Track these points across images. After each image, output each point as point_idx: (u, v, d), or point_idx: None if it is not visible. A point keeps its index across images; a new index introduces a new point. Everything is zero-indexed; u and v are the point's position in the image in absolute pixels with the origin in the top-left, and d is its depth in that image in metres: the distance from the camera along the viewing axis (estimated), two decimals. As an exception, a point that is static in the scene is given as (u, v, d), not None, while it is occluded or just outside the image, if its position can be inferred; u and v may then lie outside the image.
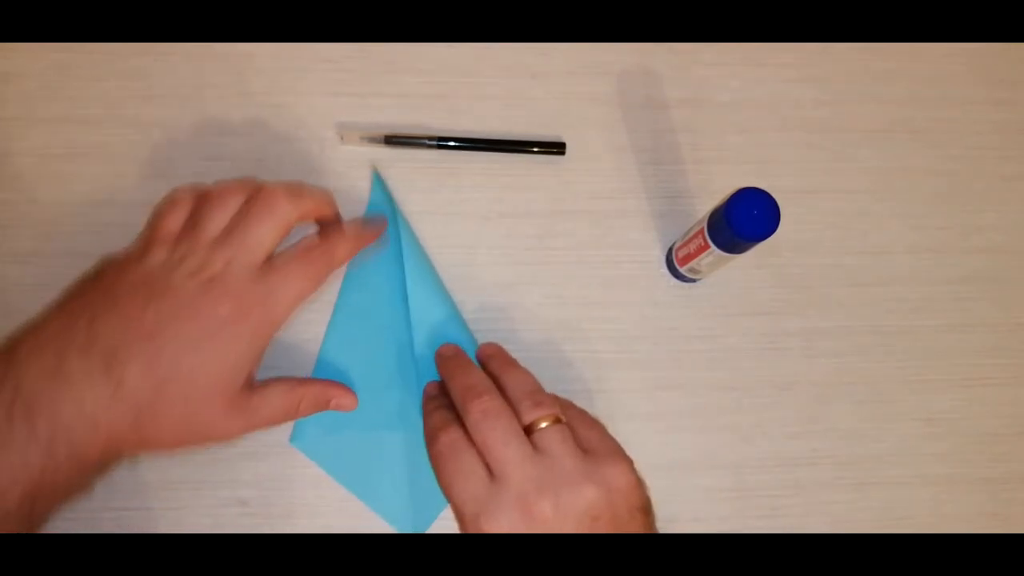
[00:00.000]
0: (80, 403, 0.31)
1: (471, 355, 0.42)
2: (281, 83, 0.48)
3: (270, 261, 0.36)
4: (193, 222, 0.36)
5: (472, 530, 0.34)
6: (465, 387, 0.37)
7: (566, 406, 0.39)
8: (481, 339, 0.45)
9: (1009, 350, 0.49)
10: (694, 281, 0.47)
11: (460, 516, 0.35)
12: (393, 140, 0.47)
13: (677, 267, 0.46)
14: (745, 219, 0.38)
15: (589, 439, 0.36)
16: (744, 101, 0.51)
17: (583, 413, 0.39)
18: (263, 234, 0.35)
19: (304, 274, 0.36)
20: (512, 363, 0.40)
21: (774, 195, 0.38)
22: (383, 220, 0.43)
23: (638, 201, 0.48)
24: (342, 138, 0.47)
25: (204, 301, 0.33)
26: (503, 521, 0.33)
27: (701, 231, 0.41)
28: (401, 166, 0.47)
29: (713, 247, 0.40)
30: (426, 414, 0.40)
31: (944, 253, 0.50)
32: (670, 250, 0.47)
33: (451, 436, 0.36)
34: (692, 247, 0.43)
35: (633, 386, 0.46)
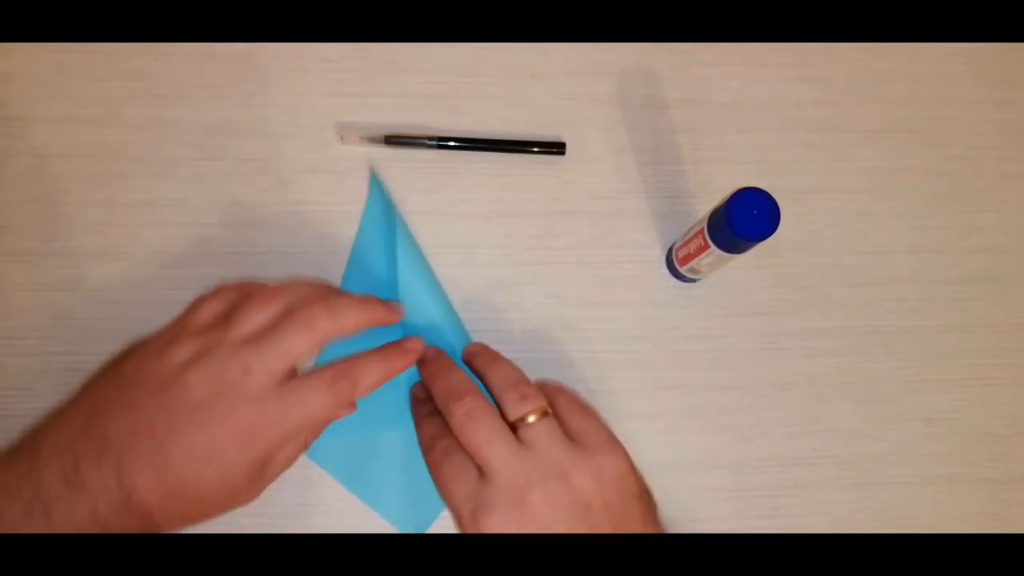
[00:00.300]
0: (94, 510, 0.31)
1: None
2: (281, 83, 0.48)
3: (291, 375, 0.35)
4: (227, 317, 0.36)
5: (470, 529, 0.34)
6: (447, 390, 0.37)
7: (555, 393, 0.38)
8: (481, 340, 0.45)
9: (1009, 350, 0.49)
10: (694, 281, 0.47)
11: (457, 517, 0.35)
12: (393, 140, 0.47)
13: (677, 267, 0.46)
14: (745, 219, 0.38)
15: (580, 429, 0.36)
16: (744, 101, 0.51)
17: (573, 401, 0.38)
18: (292, 347, 0.34)
19: (323, 399, 0.35)
20: (495, 357, 0.40)
21: (774, 195, 0.38)
22: (418, 342, 0.40)
23: (638, 201, 0.48)
24: (342, 138, 0.47)
25: (216, 411, 0.33)
26: (496, 517, 0.33)
27: (701, 231, 0.41)
28: (401, 166, 0.47)
29: (713, 247, 0.40)
30: (417, 422, 0.40)
31: (944, 253, 0.50)
32: (670, 250, 0.47)
33: (443, 443, 0.37)
34: (692, 247, 0.43)
35: (633, 386, 0.46)
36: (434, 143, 0.47)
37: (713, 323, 0.47)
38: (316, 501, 0.43)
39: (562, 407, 0.37)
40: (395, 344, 0.39)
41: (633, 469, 0.36)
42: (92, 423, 0.33)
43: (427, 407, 0.41)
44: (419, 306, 0.43)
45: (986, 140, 0.52)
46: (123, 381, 0.34)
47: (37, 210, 0.45)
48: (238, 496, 0.35)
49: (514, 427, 0.35)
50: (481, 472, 0.35)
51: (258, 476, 0.35)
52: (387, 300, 0.40)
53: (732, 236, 0.38)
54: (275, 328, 0.35)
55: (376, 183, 0.46)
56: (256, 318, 0.35)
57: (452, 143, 0.47)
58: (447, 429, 0.37)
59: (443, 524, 0.43)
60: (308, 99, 0.48)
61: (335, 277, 0.45)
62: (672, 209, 0.48)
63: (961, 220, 0.50)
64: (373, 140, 0.47)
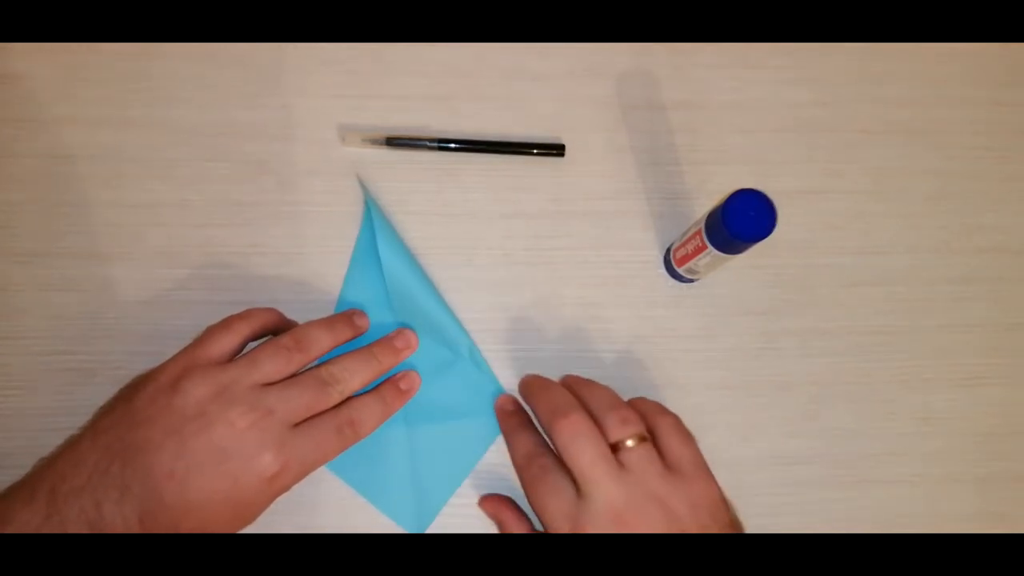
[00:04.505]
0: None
1: (463, 360, 0.44)
2: (282, 84, 0.48)
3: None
4: (252, 360, 0.37)
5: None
6: (551, 408, 0.37)
7: (659, 414, 0.39)
8: (481, 340, 0.45)
9: (1009, 350, 0.49)
10: (692, 281, 0.47)
11: (555, 532, 0.36)
12: (394, 142, 0.47)
13: (675, 267, 0.46)
14: (741, 220, 0.38)
15: (678, 456, 0.37)
16: (743, 102, 0.51)
17: (675, 426, 0.38)
18: (311, 403, 0.37)
19: (333, 444, 0.38)
20: (589, 381, 0.41)
21: (773, 196, 0.38)
22: (416, 378, 0.43)
23: (637, 202, 0.49)
24: (343, 139, 0.47)
25: (239, 454, 0.35)
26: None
27: (699, 232, 0.41)
28: (402, 167, 0.48)
29: (710, 248, 0.40)
30: (508, 435, 0.41)
31: (944, 253, 0.50)
32: (668, 251, 0.47)
33: (540, 462, 0.38)
34: (690, 248, 0.43)
35: (633, 386, 0.46)
36: (435, 144, 0.47)
37: (711, 323, 0.47)
38: (316, 501, 0.43)
39: (663, 430, 0.38)
40: (391, 383, 0.42)
41: (725, 500, 0.37)
42: (110, 465, 0.34)
43: (516, 419, 0.42)
44: (420, 311, 0.44)
45: (986, 140, 0.52)
46: (137, 419, 0.35)
47: (40, 210, 0.45)
48: (245, 525, 0.37)
49: (613, 448, 0.36)
50: (579, 491, 0.35)
51: (267, 506, 0.37)
52: (349, 313, 0.42)
53: (729, 237, 0.38)
54: (299, 384, 0.37)
55: (367, 195, 0.46)
56: (283, 369, 0.37)
57: (452, 144, 0.47)
58: (542, 446, 0.39)
59: (443, 524, 0.43)
60: (309, 101, 0.48)
61: (336, 278, 0.45)
62: (670, 210, 0.48)
63: (960, 220, 0.50)
64: (374, 142, 0.47)
